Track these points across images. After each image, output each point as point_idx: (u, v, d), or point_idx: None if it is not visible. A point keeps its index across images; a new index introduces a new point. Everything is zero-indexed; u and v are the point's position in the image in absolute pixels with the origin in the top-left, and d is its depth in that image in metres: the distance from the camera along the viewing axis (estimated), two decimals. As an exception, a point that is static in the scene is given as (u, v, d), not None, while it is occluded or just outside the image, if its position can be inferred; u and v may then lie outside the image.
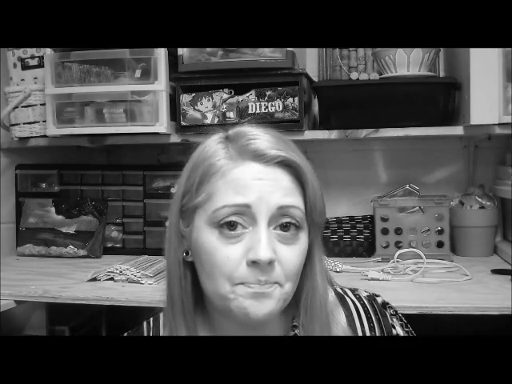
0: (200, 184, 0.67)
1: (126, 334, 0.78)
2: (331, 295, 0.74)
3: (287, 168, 0.66)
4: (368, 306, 0.76)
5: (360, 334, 0.73)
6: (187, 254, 0.69)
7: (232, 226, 0.64)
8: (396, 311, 0.79)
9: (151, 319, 0.77)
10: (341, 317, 0.73)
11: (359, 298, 0.77)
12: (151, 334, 0.75)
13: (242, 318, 0.65)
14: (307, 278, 0.70)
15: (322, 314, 0.69)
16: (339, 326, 0.72)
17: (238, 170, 0.65)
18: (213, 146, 0.68)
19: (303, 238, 0.67)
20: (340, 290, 0.78)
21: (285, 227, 0.65)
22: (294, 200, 0.66)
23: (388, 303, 0.79)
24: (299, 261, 0.66)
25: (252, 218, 0.64)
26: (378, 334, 0.74)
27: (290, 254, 0.65)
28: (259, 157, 0.65)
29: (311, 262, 0.70)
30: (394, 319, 0.77)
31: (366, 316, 0.75)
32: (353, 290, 0.79)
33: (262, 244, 0.62)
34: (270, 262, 0.63)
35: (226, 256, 0.64)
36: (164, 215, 1.66)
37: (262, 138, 0.67)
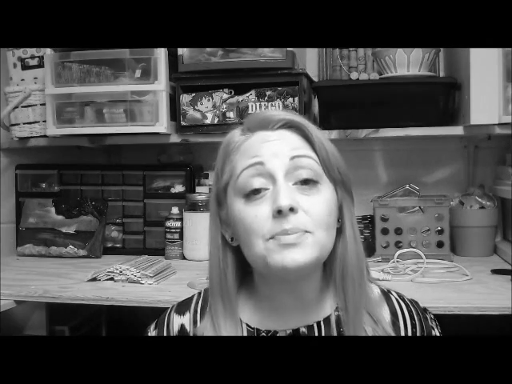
0: (223, 165, 0.73)
1: (177, 302, 0.80)
2: (377, 291, 0.77)
3: (294, 129, 0.72)
4: (411, 307, 0.78)
5: (403, 331, 0.75)
6: (232, 239, 0.73)
7: (256, 191, 0.68)
8: (435, 317, 0.80)
9: (203, 290, 0.80)
10: (385, 314, 0.75)
11: (403, 299, 0.79)
12: (199, 305, 0.78)
13: (280, 273, 0.67)
14: (339, 241, 0.72)
15: (354, 283, 0.71)
16: (382, 323, 0.73)
17: (249, 140, 0.72)
18: (231, 132, 0.75)
19: (325, 189, 0.70)
20: (385, 289, 0.80)
21: (304, 183, 0.68)
22: (306, 151, 0.70)
23: (427, 309, 0.81)
24: (324, 208, 0.68)
25: (269, 176, 0.68)
26: (419, 333, 0.76)
27: (312, 201, 0.68)
28: (266, 125, 0.71)
29: (342, 225, 0.72)
30: (434, 323, 0.79)
31: (409, 315, 0.76)
32: (397, 292, 0.81)
33: (281, 193, 0.66)
34: (292, 209, 0.65)
35: (254, 215, 0.67)
36: (164, 215, 1.66)
37: (269, 111, 0.74)
